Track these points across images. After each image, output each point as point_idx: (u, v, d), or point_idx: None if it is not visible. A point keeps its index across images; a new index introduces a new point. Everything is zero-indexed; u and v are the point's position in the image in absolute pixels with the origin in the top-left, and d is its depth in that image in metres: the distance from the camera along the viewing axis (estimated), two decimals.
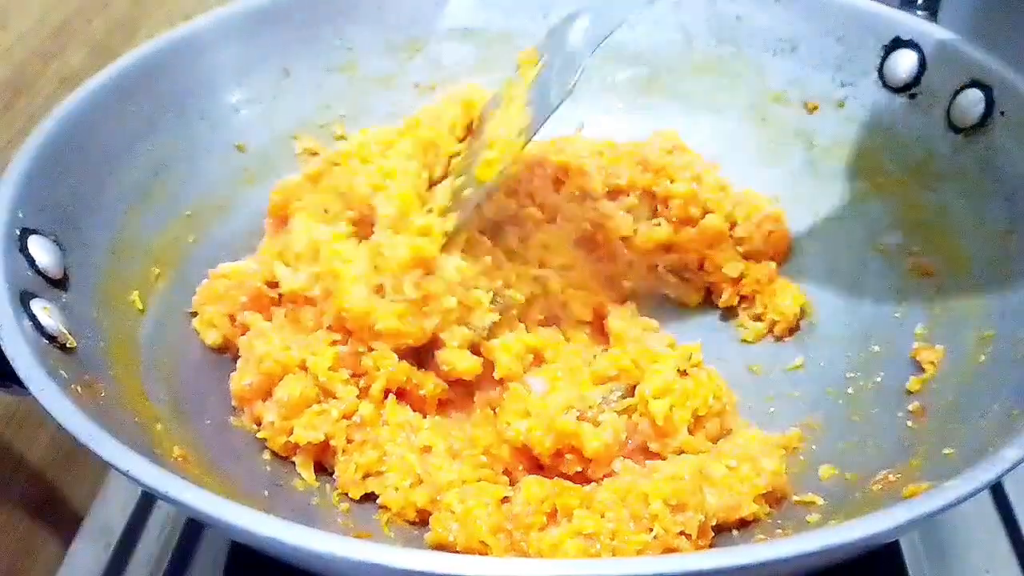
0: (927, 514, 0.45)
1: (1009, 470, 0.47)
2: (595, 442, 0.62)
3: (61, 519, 0.77)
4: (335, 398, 0.66)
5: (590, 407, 0.64)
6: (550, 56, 0.70)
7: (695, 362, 0.68)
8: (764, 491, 0.61)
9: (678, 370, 0.66)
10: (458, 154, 0.75)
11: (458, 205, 0.69)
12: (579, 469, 0.63)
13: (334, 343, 0.67)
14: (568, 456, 0.63)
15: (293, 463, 0.66)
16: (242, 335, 0.70)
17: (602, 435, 0.63)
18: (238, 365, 0.69)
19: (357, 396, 0.66)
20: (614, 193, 0.80)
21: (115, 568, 0.72)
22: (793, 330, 0.76)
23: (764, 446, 0.65)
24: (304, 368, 0.66)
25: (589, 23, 0.67)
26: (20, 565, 0.73)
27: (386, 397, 0.67)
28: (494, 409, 0.67)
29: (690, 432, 0.65)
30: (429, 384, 0.67)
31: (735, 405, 0.69)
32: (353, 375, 0.67)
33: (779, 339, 0.76)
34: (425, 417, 0.67)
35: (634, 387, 0.66)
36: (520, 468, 0.64)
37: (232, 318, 0.71)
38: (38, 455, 0.75)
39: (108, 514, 0.75)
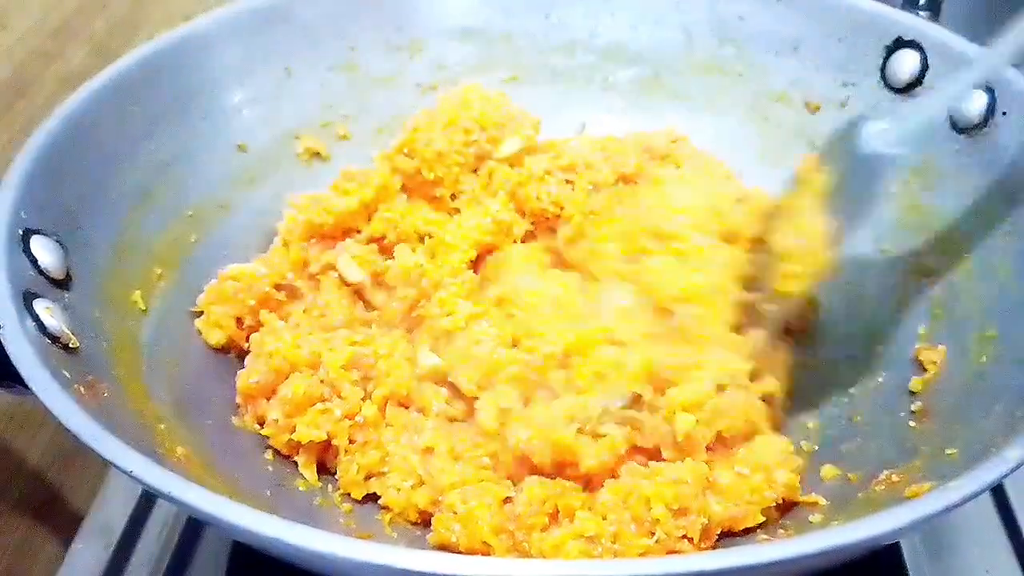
0: (931, 515, 0.45)
1: (1012, 470, 0.47)
2: (591, 460, 0.62)
3: (61, 519, 0.77)
4: (340, 397, 0.66)
5: (590, 419, 0.63)
6: (841, 163, 0.67)
7: (738, 381, 0.66)
8: (772, 504, 0.61)
9: (717, 385, 0.64)
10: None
11: (759, 321, 0.68)
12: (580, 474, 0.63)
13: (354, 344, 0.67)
14: (568, 468, 0.63)
15: (295, 463, 0.66)
16: (253, 333, 0.70)
17: (600, 454, 0.62)
18: (246, 362, 0.69)
19: (362, 398, 0.66)
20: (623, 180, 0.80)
21: (115, 568, 0.72)
22: (794, 330, 0.76)
23: (782, 455, 0.63)
24: (315, 366, 0.66)
25: (888, 125, 0.65)
26: (20, 564, 0.73)
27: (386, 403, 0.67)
28: None
29: (708, 449, 0.63)
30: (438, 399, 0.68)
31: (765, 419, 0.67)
32: (363, 378, 0.67)
33: None
34: (427, 418, 0.67)
35: (639, 396, 0.65)
36: (523, 473, 0.64)
37: (239, 320, 0.71)
38: (38, 455, 0.75)
39: (108, 514, 0.75)
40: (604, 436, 0.63)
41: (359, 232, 0.77)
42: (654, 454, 0.64)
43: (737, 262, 0.71)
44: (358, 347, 0.68)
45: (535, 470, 0.63)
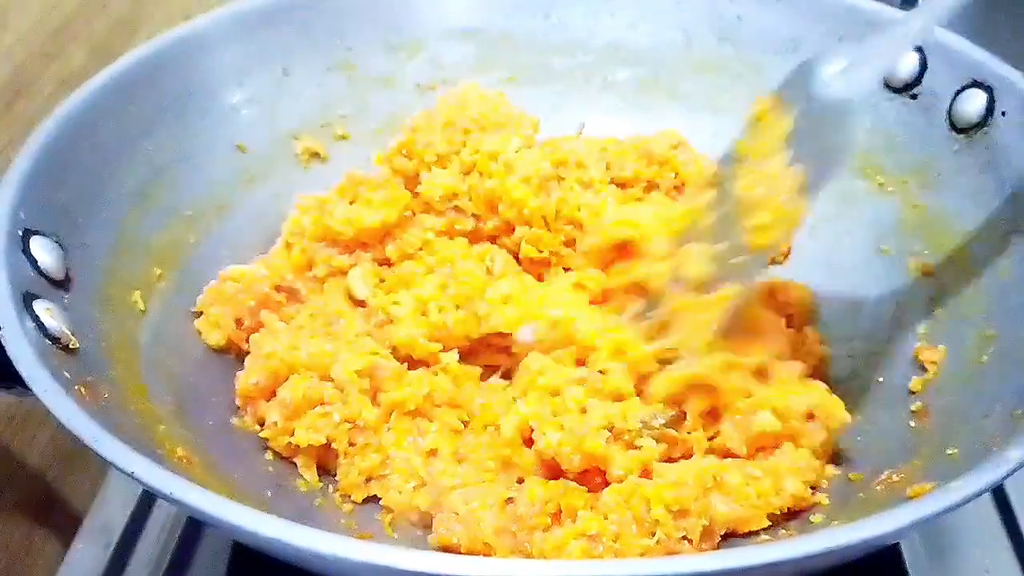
0: (933, 514, 0.45)
1: (1014, 470, 0.47)
2: (618, 470, 0.61)
3: (61, 519, 0.77)
4: (343, 403, 0.65)
5: (628, 431, 0.62)
6: (802, 106, 0.64)
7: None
8: (778, 510, 0.60)
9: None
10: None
11: (731, 274, 0.65)
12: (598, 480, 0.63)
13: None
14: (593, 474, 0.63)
15: (295, 464, 0.66)
16: (253, 334, 0.70)
17: (630, 466, 0.61)
18: (246, 363, 0.69)
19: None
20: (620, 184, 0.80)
21: (115, 568, 0.71)
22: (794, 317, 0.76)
23: (800, 459, 0.62)
24: (315, 369, 0.66)
25: (848, 64, 0.63)
26: (20, 564, 0.73)
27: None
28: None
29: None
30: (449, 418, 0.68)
31: None
32: (372, 387, 0.67)
33: None
34: (431, 422, 0.67)
35: (683, 415, 0.65)
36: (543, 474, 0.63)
37: (239, 321, 0.71)
38: (38, 455, 0.75)
39: (108, 514, 0.75)
40: (639, 448, 0.62)
41: (368, 245, 0.77)
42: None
43: (695, 212, 0.69)
44: (379, 358, 0.67)
45: (556, 473, 0.63)
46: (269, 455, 0.66)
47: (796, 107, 0.65)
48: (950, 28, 0.75)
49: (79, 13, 0.79)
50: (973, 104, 0.72)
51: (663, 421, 0.64)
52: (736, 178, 0.66)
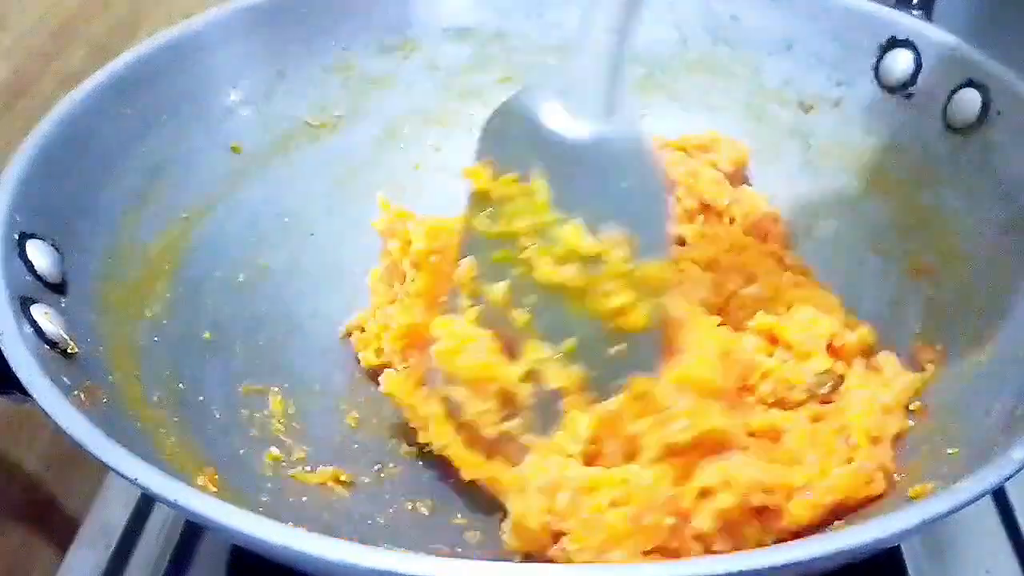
0: (939, 515, 0.45)
1: (1019, 470, 0.47)
2: None
3: (60, 522, 0.76)
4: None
5: None
6: (545, 162, 0.56)
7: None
8: None
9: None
10: None
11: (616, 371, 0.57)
12: None
13: None
14: None
15: (295, 466, 0.66)
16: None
17: None
18: None
19: None
20: None
21: (114, 570, 0.71)
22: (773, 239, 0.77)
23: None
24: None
25: (565, 105, 0.54)
26: (20, 565, 0.73)
27: None
28: None
29: None
30: None
31: None
32: None
33: None
34: None
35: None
36: None
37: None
38: (37, 457, 0.75)
39: (108, 515, 0.74)
40: None
41: None
42: None
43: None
44: None
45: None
46: (268, 458, 0.66)
47: (535, 166, 0.56)
48: (945, 28, 0.75)
49: (79, 13, 0.79)
50: (968, 104, 0.72)
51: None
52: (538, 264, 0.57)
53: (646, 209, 0.55)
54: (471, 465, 0.64)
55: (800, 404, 0.65)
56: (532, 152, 0.56)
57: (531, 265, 0.57)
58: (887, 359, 0.67)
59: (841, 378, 0.66)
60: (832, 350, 0.66)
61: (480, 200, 0.59)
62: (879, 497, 0.58)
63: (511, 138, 0.57)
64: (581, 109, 0.54)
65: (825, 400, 0.65)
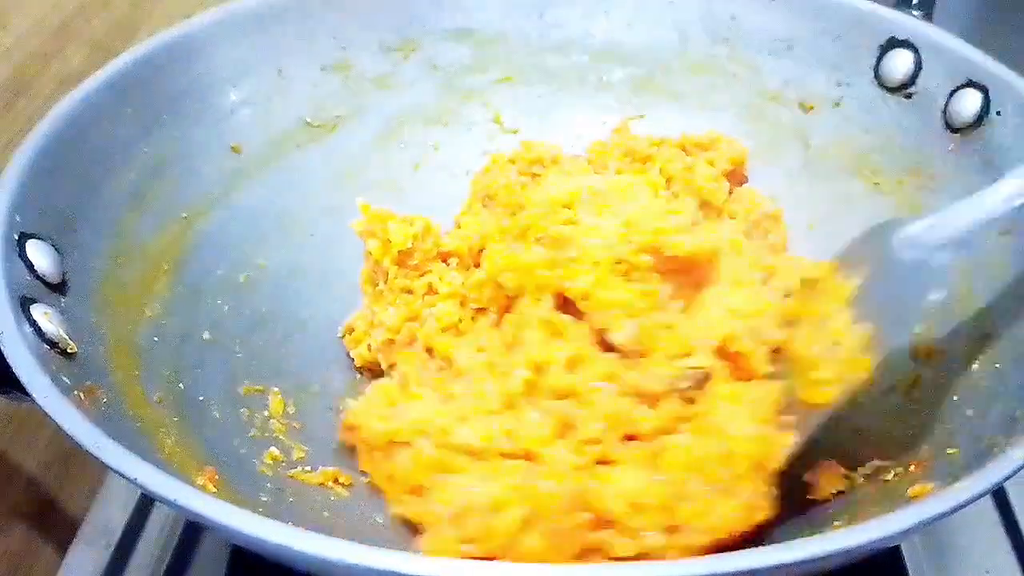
0: (939, 515, 0.45)
1: (1018, 470, 0.47)
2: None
3: (60, 521, 0.76)
4: None
5: None
6: (873, 268, 0.63)
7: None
8: None
9: None
10: None
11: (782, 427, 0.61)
12: None
13: None
14: None
15: (295, 466, 0.66)
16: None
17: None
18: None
19: None
20: None
21: (115, 570, 0.71)
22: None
23: None
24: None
25: (929, 226, 0.61)
26: (21, 565, 0.73)
27: None
28: None
29: None
30: None
31: None
32: None
33: None
34: None
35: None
36: None
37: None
38: (38, 456, 0.75)
39: (108, 515, 0.75)
40: None
41: None
42: None
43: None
44: None
45: None
46: (268, 458, 0.66)
47: (865, 270, 0.63)
48: (945, 28, 0.75)
49: (79, 13, 0.79)
50: (968, 104, 0.72)
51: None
52: (797, 340, 0.64)
53: (896, 324, 0.62)
54: (396, 502, 0.65)
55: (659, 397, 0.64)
56: (872, 258, 0.64)
57: None
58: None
59: (707, 376, 0.64)
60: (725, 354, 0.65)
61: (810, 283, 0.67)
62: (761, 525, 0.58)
63: (862, 244, 0.66)
64: (926, 239, 0.61)
65: (687, 398, 0.64)
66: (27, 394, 0.51)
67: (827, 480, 0.62)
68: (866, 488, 0.60)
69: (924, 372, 0.67)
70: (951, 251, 0.60)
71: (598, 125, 0.86)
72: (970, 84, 0.72)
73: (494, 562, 0.56)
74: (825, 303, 0.63)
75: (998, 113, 0.70)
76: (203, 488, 0.56)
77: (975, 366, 0.63)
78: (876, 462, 0.61)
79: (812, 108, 0.82)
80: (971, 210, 0.60)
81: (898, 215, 0.75)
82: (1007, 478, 0.47)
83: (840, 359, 0.60)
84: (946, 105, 0.74)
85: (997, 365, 0.61)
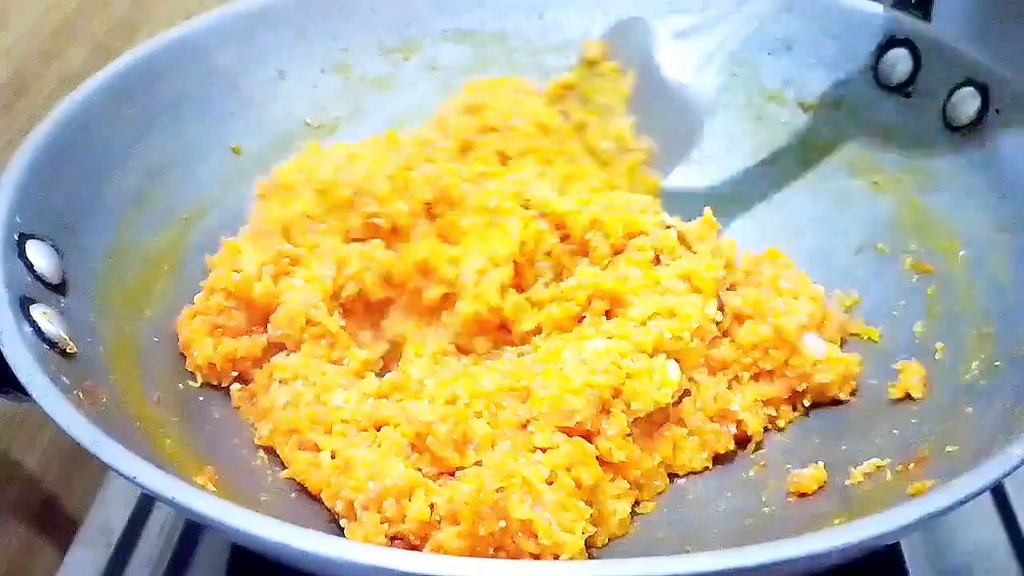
0: (938, 512, 0.45)
1: (1017, 467, 0.48)
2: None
3: (61, 521, 0.76)
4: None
5: None
6: (639, 70, 0.72)
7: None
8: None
9: None
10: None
11: None
12: None
13: None
14: None
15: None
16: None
17: None
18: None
19: None
20: None
21: (115, 569, 0.71)
22: None
23: None
24: None
25: (689, 30, 0.71)
26: (21, 565, 0.73)
27: None
28: None
29: None
30: None
31: None
32: None
33: None
34: None
35: None
36: None
37: None
38: (38, 456, 0.75)
39: (108, 514, 0.75)
40: None
41: None
42: None
43: None
44: None
45: None
46: (267, 457, 0.66)
47: (632, 69, 0.72)
48: (946, 28, 0.75)
49: (79, 13, 0.79)
50: (968, 103, 0.72)
51: None
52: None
53: (673, 149, 0.71)
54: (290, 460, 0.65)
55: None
56: (635, 55, 0.72)
57: None
58: None
59: None
60: None
61: (588, 66, 0.77)
62: None
63: (628, 47, 0.73)
64: (692, 53, 0.70)
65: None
66: (27, 394, 0.52)
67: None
68: (865, 486, 0.60)
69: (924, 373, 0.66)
70: (713, 72, 0.69)
71: None
72: (969, 83, 0.72)
73: (495, 561, 0.56)
74: (605, 90, 0.72)
75: (997, 112, 0.70)
76: (203, 488, 0.56)
77: (975, 366, 0.63)
78: (875, 460, 0.61)
79: (811, 107, 0.82)
80: (724, 24, 0.69)
81: (898, 214, 0.75)
82: (1006, 474, 0.47)
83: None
84: (945, 104, 0.74)
85: (997, 365, 0.61)
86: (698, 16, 0.68)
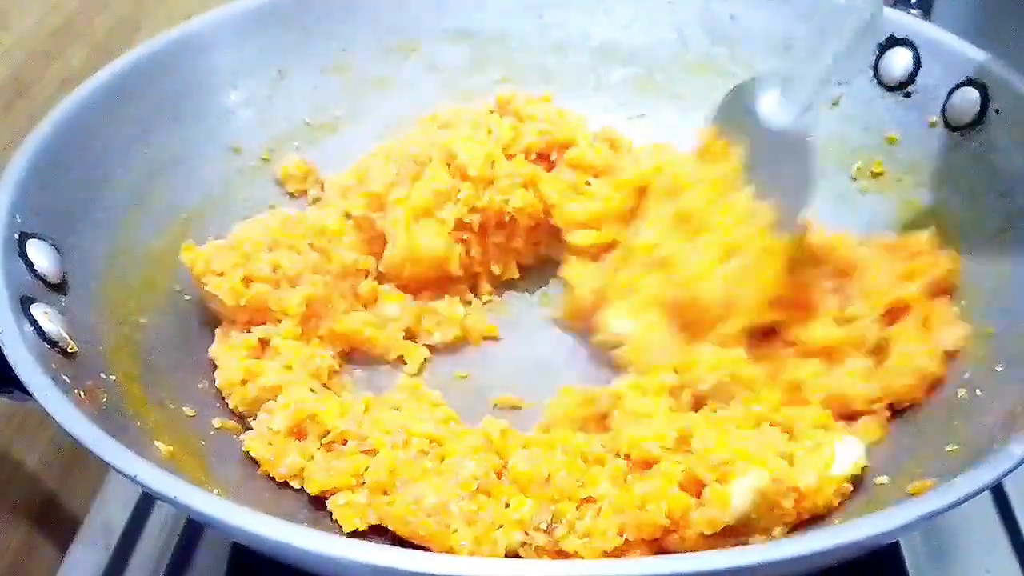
0: (937, 511, 0.45)
1: (1017, 466, 0.48)
2: None
3: (61, 520, 0.76)
4: None
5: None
6: (750, 139, 0.70)
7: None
8: None
9: None
10: None
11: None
12: None
13: None
14: None
15: None
16: None
17: None
18: None
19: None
20: None
21: (115, 569, 0.71)
22: None
23: None
24: None
25: (781, 88, 0.69)
26: (21, 565, 0.73)
27: None
28: None
29: None
30: None
31: None
32: None
33: None
34: None
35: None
36: None
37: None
38: (38, 456, 0.75)
39: (108, 514, 0.75)
40: None
41: None
42: None
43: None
44: None
45: None
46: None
47: (742, 140, 0.70)
48: (946, 27, 0.75)
49: (79, 13, 0.79)
50: (967, 102, 0.72)
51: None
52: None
53: (793, 200, 0.68)
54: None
55: None
56: (742, 128, 0.71)
57: None
58: None
59: None
60: None
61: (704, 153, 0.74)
62: None
63: (734, 114, 0.72)
64: (789, 102, 0.69)
65: None
66: (28, 393, 0.52)
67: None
68: (866, 485, 0.60)
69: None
70: (813, 110, 0.68)
71: (597, 125, 0.86)
72: (969, 83, 0.72)
73: (495, 560, 0.56)
74: (723, 173, 0.70)
75: (997, 111, 0.70)
76: (203, 486, 0.56)
77: (975, 364, 0.63)
78: (879, 462, 0.61)
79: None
80: (815, 64, 0.67)
81: (898, 214, 0.75)
82: (1006, 474, 0.47)
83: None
84: (945, 103, 0.74)
85: (996, 363, 0.61)
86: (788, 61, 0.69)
